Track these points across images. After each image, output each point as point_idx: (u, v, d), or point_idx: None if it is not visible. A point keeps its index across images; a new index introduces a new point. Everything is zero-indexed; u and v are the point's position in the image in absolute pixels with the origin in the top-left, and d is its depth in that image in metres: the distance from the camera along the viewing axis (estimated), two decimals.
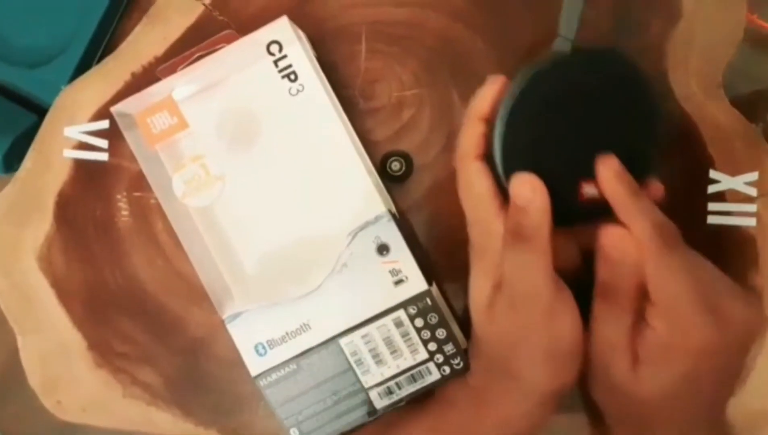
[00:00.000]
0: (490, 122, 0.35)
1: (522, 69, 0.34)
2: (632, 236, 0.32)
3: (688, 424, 0.35)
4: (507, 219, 0.34)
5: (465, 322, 0.42)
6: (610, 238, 0.32)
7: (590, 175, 0.33)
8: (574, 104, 0.34)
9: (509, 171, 0.34)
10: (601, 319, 0.34)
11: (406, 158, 0.43)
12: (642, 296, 0.33)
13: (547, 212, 0.33)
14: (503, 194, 0.35)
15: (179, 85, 0.38)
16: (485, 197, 0.35)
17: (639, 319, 0.33)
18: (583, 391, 0.37)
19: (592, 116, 0.34)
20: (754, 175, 0.41)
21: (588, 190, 0.34)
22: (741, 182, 0.41)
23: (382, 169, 0.42)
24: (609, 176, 0.33)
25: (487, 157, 0.35)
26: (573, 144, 0.34)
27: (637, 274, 0.32)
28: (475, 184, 0.35)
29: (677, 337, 0.32)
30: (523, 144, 0.34)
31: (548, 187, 0.33)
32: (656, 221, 0.32)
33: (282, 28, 0.38)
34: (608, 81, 0.34)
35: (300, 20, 0.41)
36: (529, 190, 0.33)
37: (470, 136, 0.36)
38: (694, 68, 0.42)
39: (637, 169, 0.33)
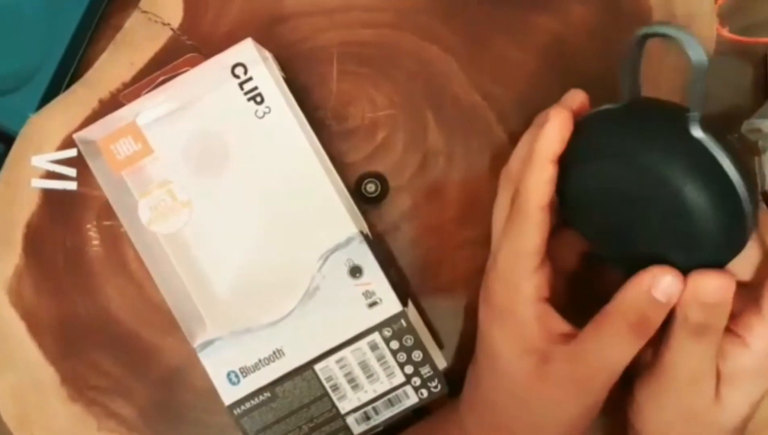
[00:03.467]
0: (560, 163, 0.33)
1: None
2: (732, 278, 0.30)
3: None
4: (626, 303, 0.32)
5: (453, 345, 0.42)
6: (710, 284, 0.30)
7: None
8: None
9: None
10: (687, 355, 0.32)
11: (381, 180, 0.42)
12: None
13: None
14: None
15: (144, 110, 0.38)
16: (530, 254, 0.33)
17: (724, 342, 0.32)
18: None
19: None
20: None
21: None
22: None
23: (357, 191, 0.42)
24: None
25: (561, 200, 0.33)
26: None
27: (729, 311, 0.31)
28: (526, 239, 0.33)
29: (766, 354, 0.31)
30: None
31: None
32: None
33: (246, 50, 0.37)
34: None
35: (270, 43, 0.41)
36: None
37: (540, 182, 0.32)
38: (666, 84, 0.42)
39: None
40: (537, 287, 0.33)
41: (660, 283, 0.30)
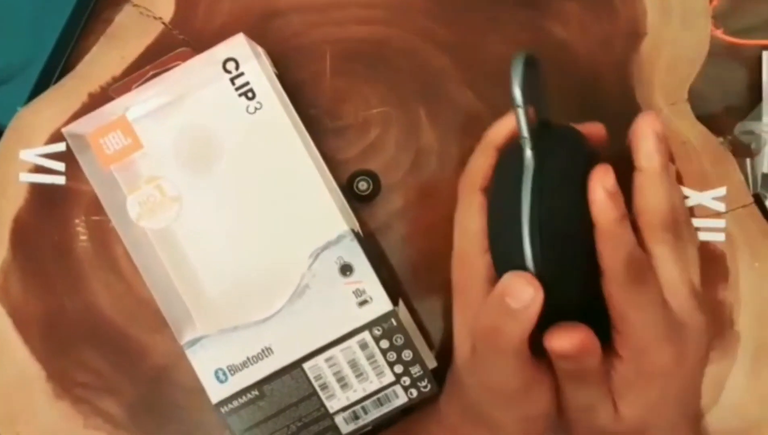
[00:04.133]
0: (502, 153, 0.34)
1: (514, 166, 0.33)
2: (593, 336, 0.31)
3: None
4: (483, 315, 0.32)
5: (443, 344, 0.42)
6: (562, 342, 0.30)
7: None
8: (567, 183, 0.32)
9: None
10: (572, 394, 0.33)
11: (374, 178, 0.42)
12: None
13: (532, 321, 0.31)
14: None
15: (134, 105, 0.38)
16: (477, 234, 0.34)
17: (605, 359, 0.32)
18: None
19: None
20: (722, 191, 0.41)
21: None
22: (709, 198, 0.41)
23: (349, 188, 0.42)
24: (602, 197, 0.30)
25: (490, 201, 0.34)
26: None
27: (598, 352, 0.31)
28: (470, 218, 0.34)
29: (642, 363, 0.32)
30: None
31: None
32: (630, 256, 0.31)
33: (238, 45, 0.37)
34: (569, 153, 0.33)
35: (263, 39, 0.41)
36: (530, 293, 0.30)
37: (481, 165, 0.34)
38: (660, 84, 0.42)
39: None
40: (488, 266, 0.34)
41: (517, 292, 0.30)
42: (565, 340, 0.30)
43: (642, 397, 0.32)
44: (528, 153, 0.32)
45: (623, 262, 0.31)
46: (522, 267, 0.31)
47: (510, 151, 0.34)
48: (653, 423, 0.33)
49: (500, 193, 0.33)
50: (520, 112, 0.32)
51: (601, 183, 0.30)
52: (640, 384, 0.32)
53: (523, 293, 0.30)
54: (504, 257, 0.33)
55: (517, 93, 0.31)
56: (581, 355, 0.31)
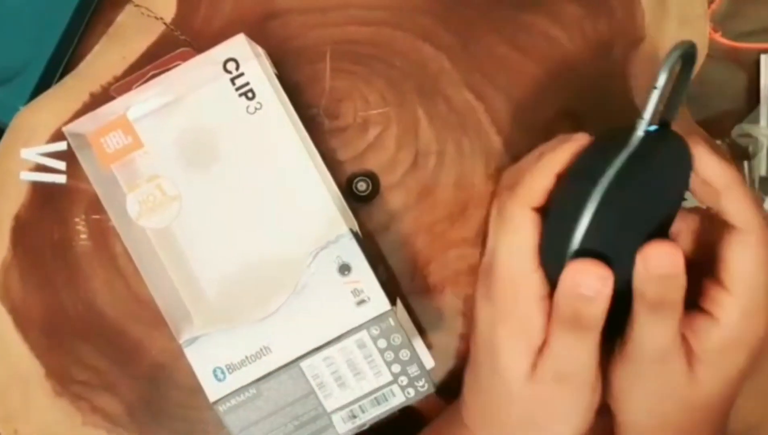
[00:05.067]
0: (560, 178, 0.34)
1: (609, 147, 0.32)
2: (678, 248, 0.31)
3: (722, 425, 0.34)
4: (561, 303, 0.32)
5: (440, 343, 0.42)
6: (658, 253, 0.31)
7: None
8: (648, 185, 0.32)
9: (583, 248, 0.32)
10: (650, 330, 0.32)
11: (373, 178, 0.42)
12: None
13: (609, 300, 0.31)
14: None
15: (134, 104, 0.38)
16: (530, 250, 0.33)
17: (690, 318, 0.32)
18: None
19: (659, 196, 0.32)
20: None
21: None
22: None
23: (348, 189, 0.42)
24: (720, 163, 0.31)
25: (550, 213, 0.34)
26: (643, 222, 0.32)
27: (684, 283, 0.31)
28: (522, 235, 0.33)
29: (743, 330, 0.32)
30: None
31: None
32: (761, 210, 0.31)
33: (239, 45, 0.37)
34: (669, 161, 0.32)
35: (263, 39, 0.41)
36: (598, 280, 0.31)
37: (539, 186, 0.34)
38: None
39: None
40: (540, 284, 0.33)
41: (584, 280, 0.31)
42: (662, 247, 0.30)
43: (723, 365, 0.32)
44: (640, 133, 0.31)
45: (760, 217, 0.31)
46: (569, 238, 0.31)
47: (602, 144, 0.33)
48: (726, 394, 0.33)
49: (575, 179, 0.33)
50: (656, 92, 0.31)
51: (710, 153, 0.32)
52: (731, 350, 0.32)
53: (593, 281, 0.31)
54: (558, 233, 0.32)
55: (663, 76, 0.31)
56: (672, 270, 0.30)
